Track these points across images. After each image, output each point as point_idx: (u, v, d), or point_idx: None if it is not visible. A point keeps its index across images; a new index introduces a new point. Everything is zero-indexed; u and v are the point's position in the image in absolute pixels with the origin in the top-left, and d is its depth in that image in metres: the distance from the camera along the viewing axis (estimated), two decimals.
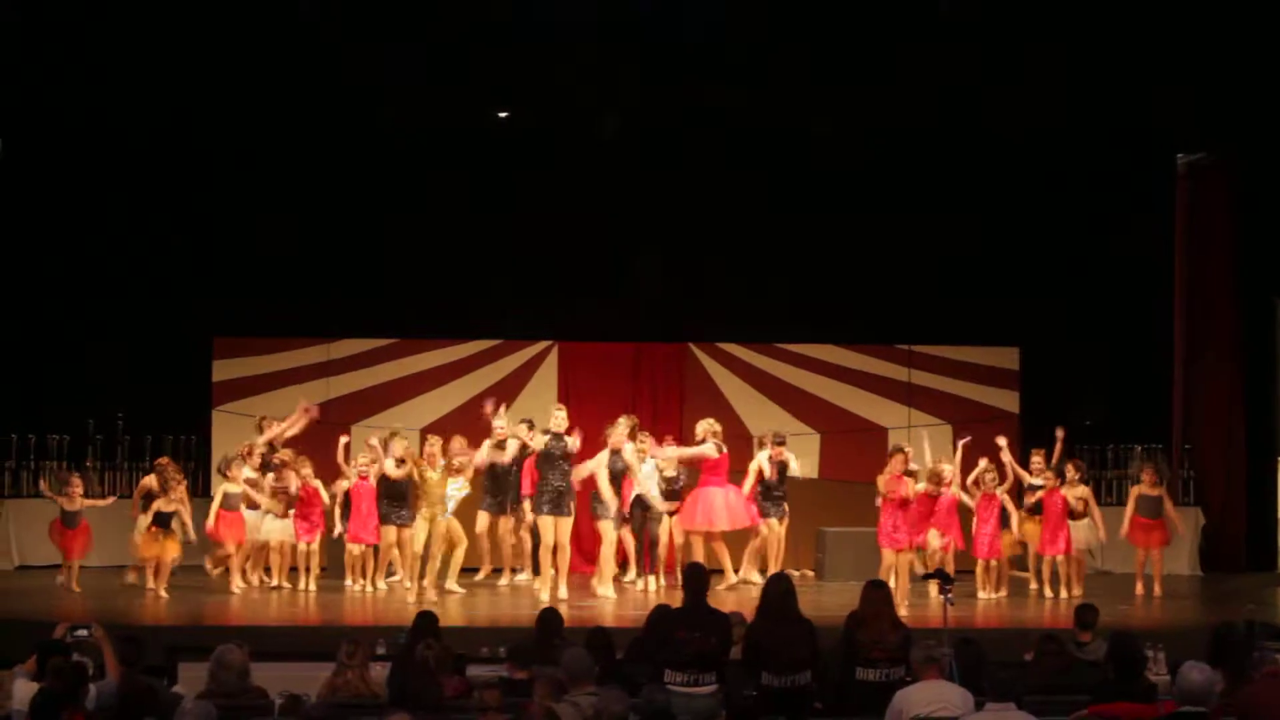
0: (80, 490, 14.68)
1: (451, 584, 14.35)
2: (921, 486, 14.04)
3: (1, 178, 16.54)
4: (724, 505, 14.63)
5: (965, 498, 14.46)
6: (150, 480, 14.57)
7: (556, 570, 13.83)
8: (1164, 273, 17.42)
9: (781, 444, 15.03)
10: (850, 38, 14.69)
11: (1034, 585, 14.74)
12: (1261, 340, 17.32)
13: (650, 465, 14.65)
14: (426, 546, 14.01)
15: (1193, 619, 13.54)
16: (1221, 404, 17.14)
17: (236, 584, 14.49)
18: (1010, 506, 14.58)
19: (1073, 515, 14.64)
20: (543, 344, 16.89)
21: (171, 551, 14.30)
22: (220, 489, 14.69)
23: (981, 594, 14.39)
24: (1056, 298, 16.99)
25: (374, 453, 14.43)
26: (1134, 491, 15.11)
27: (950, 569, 13.52)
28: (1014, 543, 14.76)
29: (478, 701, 7.68)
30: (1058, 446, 15.07)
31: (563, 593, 13.71)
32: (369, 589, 14.53)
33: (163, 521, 14.24)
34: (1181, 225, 17.42)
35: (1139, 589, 14.87)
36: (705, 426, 14.74)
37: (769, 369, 16.95)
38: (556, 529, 13.80)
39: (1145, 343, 17.38)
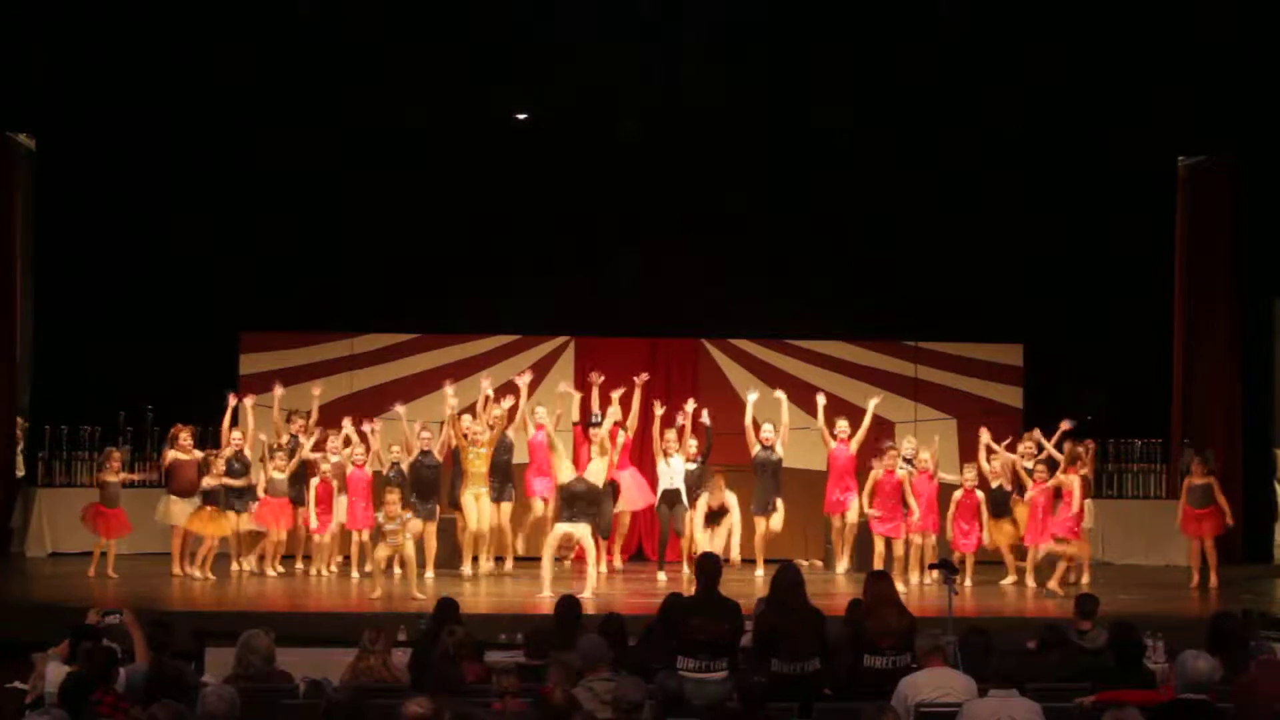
0: (119, 464, 14.82)
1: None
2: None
3: (35, 176, 16.92)
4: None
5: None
6: (177, 454, 14.59)
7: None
8: (1165, 272, 17.57)
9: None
10: (851, 38, 14.95)
11: (1012, 577, 14.84)
12: (1259, 337, 17.46)
13: (678, 460, 14.92)
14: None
15: (1191, 609, 13.67)
16: (1220, 399, 17.25)
17: (271, 569, 14.75)
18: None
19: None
20: (560, 339, 17.10)
21: (226, 529, 14.54)
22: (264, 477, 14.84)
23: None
24: (1060, 296, 17.14)
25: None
26: (1185, 483, 15.15)
27: (931, 558, 13.84)
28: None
29: (497, 686, 7.83)
30: (1060, 441, 14.90)
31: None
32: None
33: (213, 499, 14.50)
34: (1182, 225, 17.57)
35: (1195, 580, 14.90)
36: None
37: (779, 364, 17.09)
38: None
39: (1146, 340, 17.48)
